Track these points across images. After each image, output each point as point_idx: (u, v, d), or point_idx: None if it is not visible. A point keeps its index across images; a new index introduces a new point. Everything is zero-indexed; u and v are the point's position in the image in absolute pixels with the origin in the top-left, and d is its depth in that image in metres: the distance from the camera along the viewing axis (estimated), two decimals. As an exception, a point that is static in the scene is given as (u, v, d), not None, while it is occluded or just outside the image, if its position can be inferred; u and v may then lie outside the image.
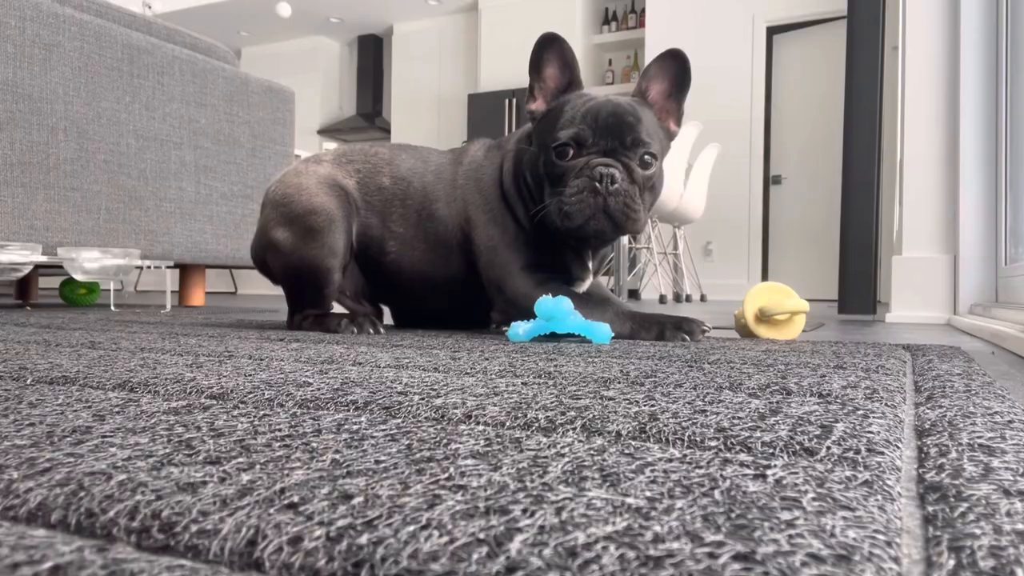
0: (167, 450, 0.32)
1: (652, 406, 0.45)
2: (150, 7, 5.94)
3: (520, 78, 5.60)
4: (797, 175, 4.76)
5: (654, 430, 0.37)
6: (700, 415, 0.42)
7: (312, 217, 1.13)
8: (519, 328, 0.96)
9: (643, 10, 5.38)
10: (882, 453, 0.33)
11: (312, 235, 1.13)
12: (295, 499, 0.25)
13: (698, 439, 0.35)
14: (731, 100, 4.83)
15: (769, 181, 4.82)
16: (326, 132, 6.63)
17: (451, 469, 0.29)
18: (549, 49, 1.04)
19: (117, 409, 0.42)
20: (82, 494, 0.26)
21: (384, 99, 6.72)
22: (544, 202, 1.02)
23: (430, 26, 6.28)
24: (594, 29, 5.73)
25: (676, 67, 1.04)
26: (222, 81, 2.53)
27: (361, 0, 5.93)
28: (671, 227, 4.13)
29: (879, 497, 0.26)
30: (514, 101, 5.56)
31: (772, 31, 4.83)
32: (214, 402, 0.45)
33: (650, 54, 5.10)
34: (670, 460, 0.31)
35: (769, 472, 0.29)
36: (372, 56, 6.70)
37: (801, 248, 4.69)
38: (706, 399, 0.48)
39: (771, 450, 0.34)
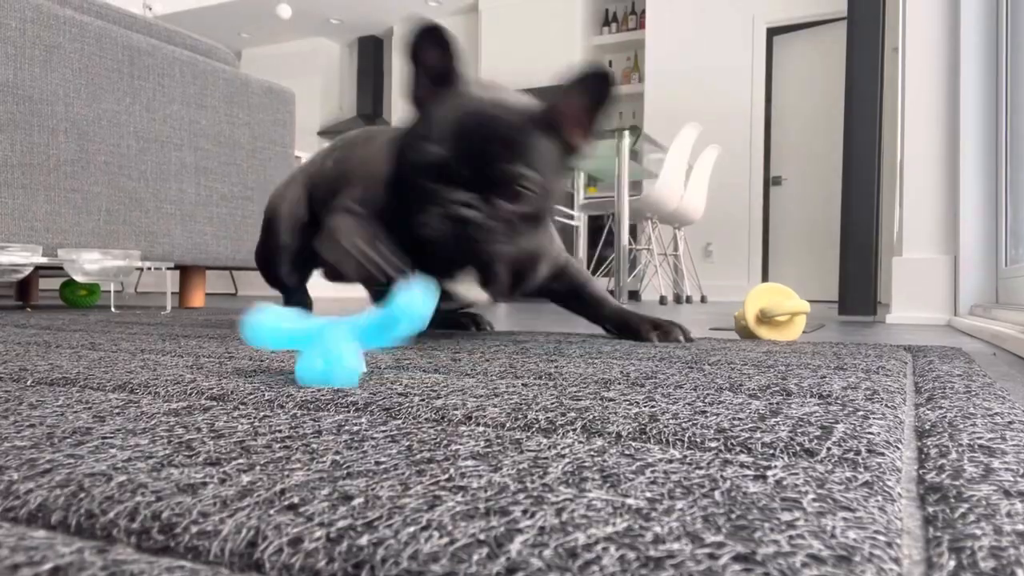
0: (167, 451, 0.32)
1: (652, 407, 0.45)
2: (150, 9, 5.94)
3: (521, 79, 5.60)
4: (797, 176, 4.76)
5: (654, 431, 0.37)
6: (700, 416, 0.42)
7: (266, 216, 1.26)
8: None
9: (643, 11, 5.38)
10: (882, 454, 0.33)
11: (264, 233, 1.25)
12: (295, 500, 0.25)
13: (698, 440, 0.35)
14: (731, 101, 4.83)
15: (769, 182, 4.83)
16: (327, 133, 6.63)
17: (451, 470, 0.29)
18: (428, 38, 0.88)
19: (117, 410, 0.42)
20: (82, 495, 0.26)
21: (384, 100, 6.73)
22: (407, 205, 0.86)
23: (430, 27, 6.27)
24: (594, 30, 5.73)
25: (600, 84, 0.89)
26: (222, 83, 2.54)
27: (361, 2, 5.94)
28: (671, 228, 4.13)
29: (879, 498, 0.26)
30: (514, 102, 5.55)
31: (772, 32, 4.84)
32: (214, 403, 0.45)
33: (650, 55, 5.10)
34: (670, 461, 0.31)
35: (769, 473, 0.29)
36: (372, 57, 6.70)
37: (801, 249, 4.69)
38: (706, 400, 0.48)
39: (771, 451, 0.34)
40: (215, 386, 0.52)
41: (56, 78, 1.92)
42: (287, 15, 5.48)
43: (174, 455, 0.31)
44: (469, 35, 6.05)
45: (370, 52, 6.70)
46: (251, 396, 0.48)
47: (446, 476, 0.28)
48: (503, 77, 5.65)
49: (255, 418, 0.40)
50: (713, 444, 0.35)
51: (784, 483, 0.28)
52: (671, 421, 0.40)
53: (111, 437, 0.35)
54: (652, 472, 0.29)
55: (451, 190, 0.81)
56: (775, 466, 0.30)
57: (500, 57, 5.74)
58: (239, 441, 0.34)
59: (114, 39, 2.13)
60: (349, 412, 0.42)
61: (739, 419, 0.41)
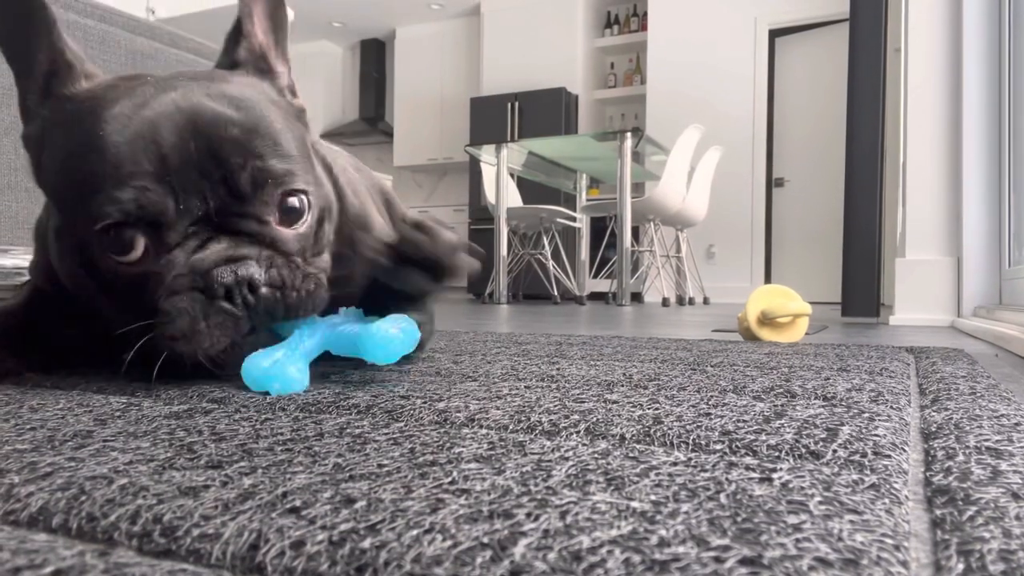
0: (169, 454, 0.32)
1: (656, 409, 0.44)
2: (153, 12, 5.95)
3: (522, 82, 5.61)
4: (800, 178, 4.76)
5: (658, 433, 0.37)
6: (705, 418, 0.42)
7: None
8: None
9: (645, 13, 5.38)
10: (889, 456, 0.33)
11: None
12: (297, 503, 0.25)
13: (703, 442, 0.35)
14: (733, 103, 4.83)
15: (772, 184, 4.82)
16: (329, 136, 6.63)
17: (454, 473, 0.29)
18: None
19: (118, 413, 0.42)
20: (83, 498, 0.25)
21: (387, 103, 6.73)
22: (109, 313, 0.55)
23: (432, 30, 6.29)
24: (596, 32, 5.73)
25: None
26: (225, 85, 2.53)
27: (364, 4, 5.94)
28: (674, 230, 4.13)
29: (886, 500, 0.26)
30: (516, 105, 5.56)
31: (774, 34, 4.84)
32: (216, 406, 0.45)
33: (652, 57, 5.10)
34: (675, 463, 0.31)
35: (775, 475, 0.29)
36: (375, 60, 6.71)
37: (804, 251, 4.69)
38: (710, 402, 0.48)
39: (777, 453, 0.33)
40: (216, 389, 0.52)
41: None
42: (289, 18, 5.48)
43: (175, 458, 0.31)
44: (471, 38, 6.05)
45: (372, 55, 6.71)
46: (252, 399, 0.48)
47: (449, 479, 0.28)
48: (505, 80, 5.66)
49: (256, 421, 0.40)
50: (718, 446, 0.35)
51: (790, 486, 0.28)
52: (675, 423, 0.40)
53: (112, 440, 0.35)
54: (657, 475, 0.29)
55: (189, 242, 0.50)
56: (781, 468, 0.30)
57: (502, 60, 5.74)
58: (241, 444, 0.34)
59: (117, 42, 2.13)
60: (351, 415, 0.42)
61: (744, 421, 0.41)
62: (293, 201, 0.54)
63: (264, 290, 0.50)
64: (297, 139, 0.57)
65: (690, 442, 0.35)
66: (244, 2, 0.64)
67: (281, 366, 0.50)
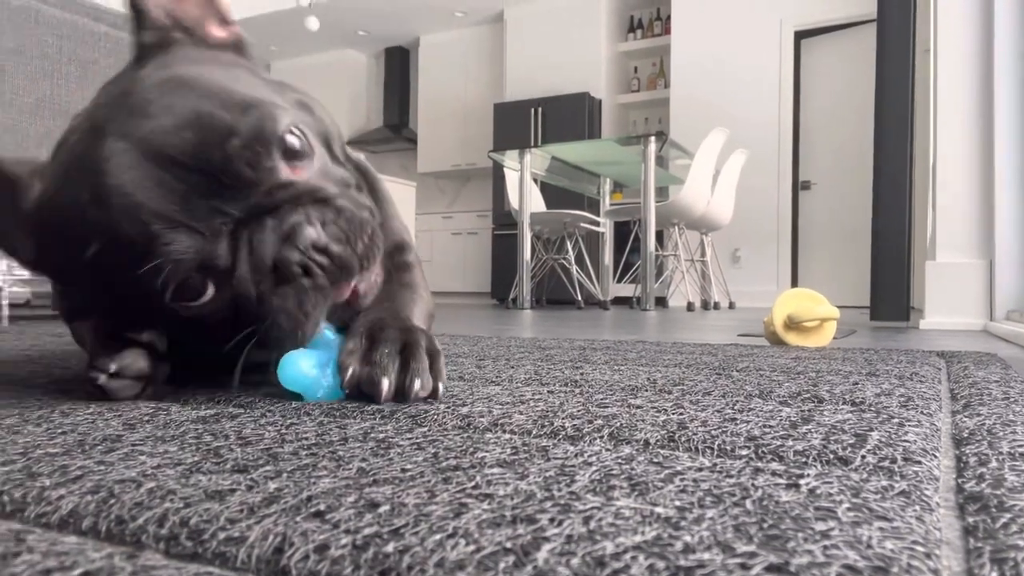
0: (196, 458, 0.32)
1: (681, 414, 0.44)
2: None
3: (546, 87, 5.61)
4: (827, 180, 4.70)
5: (683, 438, 0.37)
6: (730, 423, 0.41)
7: None
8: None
9: (668, 17, 5.36)
10: (919, 462, 0.32)
11: None
12: (322, 507, 0.25)
13: (728, 448, 0.35)
14: (759, 106, 4.79)
15: (798, 186, 4.77)
16: (354, 143, 6.69)
17: (477, 477, 0.29)
18: None
19: (147, 418, 0.43)
20: (112, 501, 0.26)
21: (411, 110, 6.78)
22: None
23: (456, 37, 6.32)
24: (619, 37, 5.72)
25: None
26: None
27: (388, 13, 5.99)
28: (698, 234, 4.10)
29: (917, 507, 0.26)
30: (540, 110, 5.57)
31: (800, 35, 4.79)
32: (241, 411, 0.46)
33: (676, 61, 5.08)
34: (700, 469, 0.31)
35: (802, 481, 0.29)
36: (399, 67, 6.76)
37: (831, 254, 4.63)
38: (736, 407, 0.47)
39: (804, 459, 0.33)
40: (242, 394, 0.52)
41: (92, 92, 1.96)
42: (315, 27, 5.55)
43: (202, 462, 0.32)
44: (494, 45, 6.07)
45: (396, 62, 6.76)
46: (278, 404, 0.48)
47: (472, 483, 0.28)
48: (528, 86, 5.67)
49: (282, 425, 0.40)
50: (744, 452, 0.34)
51: (818, 492, 0.27)
52: (700, 428, 0.39)
53: (140, 444, 0.35)
54: (681, 480, 0.29)
55: (244, 278, 0.47)
56: (808, 474, 0.30)
57: (525, 66, 5.75)
58: (266, 448, 0.34)
59: (147, 53, 2.17)
60: (375, 419, 0.42)
61: (770, 426, 0.40)
62: (294, 142, 0.49)
63: (335, 247, 0.47)
64: (242, 78, 0.51)
65: (715, 447, 0.35)
66: None
67: (329, 374, 0.49)
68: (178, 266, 0.45)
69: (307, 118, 0.52)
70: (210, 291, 0.47)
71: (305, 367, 0.48)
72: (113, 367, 0.48)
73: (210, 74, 0.49)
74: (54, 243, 0.48)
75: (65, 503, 0.26)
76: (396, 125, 6.71)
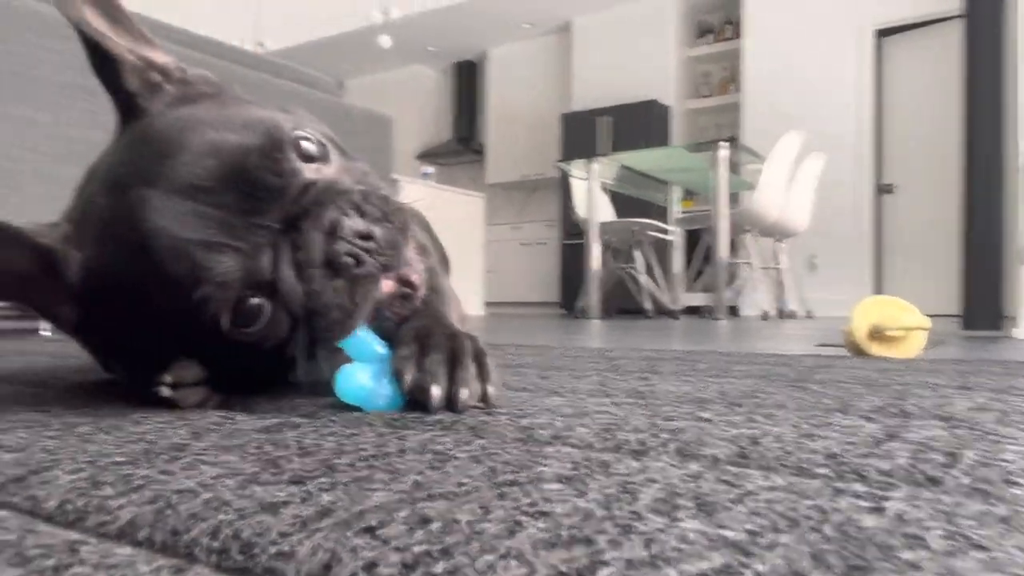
0: (255, 469, 0.32)
1: (753, 429, 0.42)
2: (262, 45, 6.31)
3: (614, 96, 5.58)
4: (911, 183, 4.49)
5: (755, 455, 0.35)
6: (807, 439, 0.39)
7: None
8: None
9: (740, 20, 5.25)
10: (1020, 484, 0.29)
11: None
12: (373, 522, 0.24)
13: (805, 466, 0.33)
14: (836, 107, 4.63)
15: (880, 190, 4.58)
16: (424, 156, 6.81)
17: (534, 494, 0.28)
18: None
19: (213, 427, 0.44)
20: (169, 512, 0.26)
21: (479, 122, 6.85)
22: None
23: (523, 49, 6.36)
24: (689, 43, 5.64)
25: None
26: (326, 111, 2.65)
27: (457, 29, 6.09)
28: (772, 241, 3.98)
29: (1019, 535, 0.23)
30: (608, 119, 5.54)
31: (880, 34, 4.61)
32: (305, 420, 0.46)
33: (748, 64, 4.97)
34: (773, 489, 0.29)
35: (888, 504, 0.26)
36: (467, 81, 6.85)
37: (917, 260, 4.41)
38: (813, 422, 0.45)
39: (889, 479, 0.30)
40: (307, 403, 0.52)
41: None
42: (387, 45, 5.69)
43: (260, 472, 0.32)
44: (562, 55, 6.08)
45: (465, 76, 6.85)
46: (341, 413, 0.48)
47: (528, 500, 0.27)
48: (596, 95, 5.64)
49: (342, 436, 0.40)
50: (822, 471, 0.32)
51: (905, 517, 0.25)
52: (774, 444, 0.37)
53: (203, 454, 0.36)
54: (753, 501, 0.27)
55: (293, 289, 0.47)
56: (894, 497, 0.27)
57: (593, 75, 5.73)
58: (324, 459, 0.34)
59: (227, 74, 2.26)
60: (435, 431, 0.42)
61: (851, 443, 0.38)
62: (307, 146, 0.49)
63: (376, 229, 0.48)
64: (232, 103, 0.53)
65: (791, 465, 0.33)
66: (76, 16, 0.51)
67: (386, 384, 0.49)
68: (226, 288, 0.45)
69: (314, 125, 0.53)
70: (267, 312, 0.47)
71: (362, 379, 0.49)
72: (170, 379, 0.49)
73: (205, 108, 0.51)
74: (104, 307, 0.49)
75: (124, 513, 0.26)
76: (465, 137, 6.79)
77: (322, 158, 0.50)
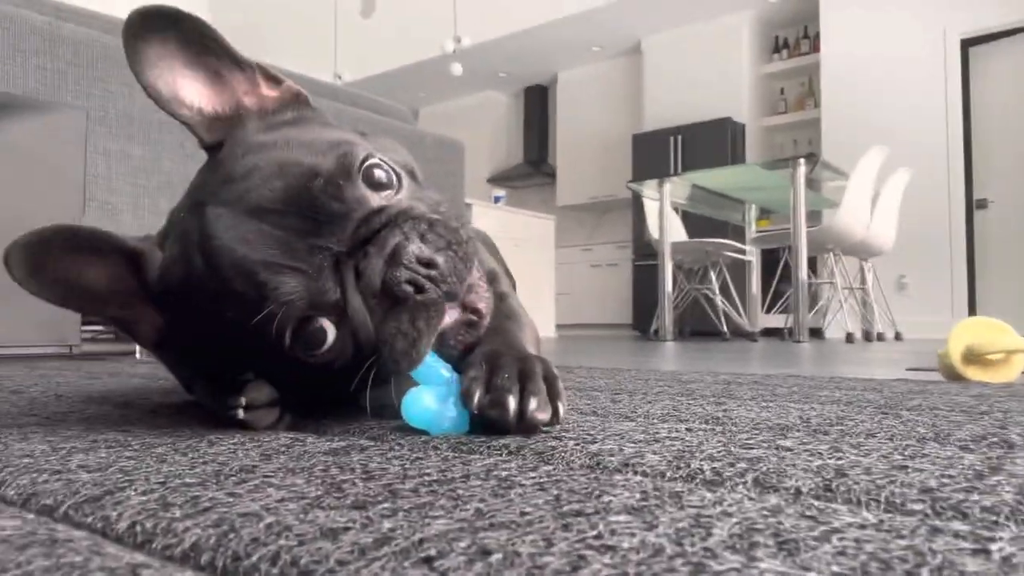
0: (319, 492, 0.32)
1: (839, 459, 0.39)
2: (340, 77, 6.54)
3: (685, 115, 5.51)
4: (1006, 197, 4.25)
5: (842, 488, 0.32)
6: (899, 472, 0.36)
7: None
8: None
9: (817, 34, 5.12)
10: None
11: None
12: (432, 552, 0.23)
13: (898, 501, 0.30)
14: (922, 121, 4.44)
15: (972, 205, 4.34)
16: (495, 180, 6.88)
17: (600, 526, 0.26)
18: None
19: (283, 449, 0.44)
20: (232, 536, 0.26)
21: (549, 145, 6.89)
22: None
23: (593, 71, 6.37)
24: (763, 59, 5.53)
25: (170, 26, 0.52)
26: (400, 138, 2.70)
27: (527, 54, 6.16)
28: (857, 260, 3.82)
29: None
30: (679, 139, 5.47)
31: (967, 43, 4.41)
32: (372, 443, 0.46)
33: (827, 78, 4.83)
34: (863, 526, 0.26)
35: (993, 546, 0.24)
36: (537, 105, 6.91)
37: (1014, 278, 4.15)
38: (906, 452, 0.41)
39: (993, 517, 0.28)
40: (375, 425, 0.52)
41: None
42: (459, 72, 5.80)
43: (324, 496, 0.31)
44: (632, 76, 6.06)
45: (536, 100, 6.92)
46: (408, 437, 0.48)
47: (594, 532, 0.25)
48: (668, 115, 5.59)
49: (407, 460, 0.40)
50: (917, 507, 0.29)
51: (1014, 560, 0.22)
52: (863, 476, 0.35)
53: (271, 476, 0.36)
54: (840, 539, 0.25)
55: (360, 312, 0.47)
56: (1000, 537, 0.25)
57: (664, 95, 5.68)
58: (387, 484, 0.34)
59: (305, 106, 2.34)
60: (500, 456, 0.41)
61: (949, 476, 0.35)
62: (379, 174, 0.50)
63: (439, 257, 0.47)
64: (314, 129, 0.53)
65: (882, 500, 0.30)
66: (143, 81, 0.52)
67: (452, 406, 0.49)
68: (289, 308, 0.46)
69: (385, 150, 0.53)
70: (331, 335, 0.48)
71: (428, 401, 0.48)
72: (243, 401, 0.50)
73: (283, 133, 0.52)
74: (180, 317, 0.51)
75: (189, 536, 0.26)
76: (535, 160, 6.84)
77: (392, 186, 0.51)
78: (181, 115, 0.54)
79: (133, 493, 0.32)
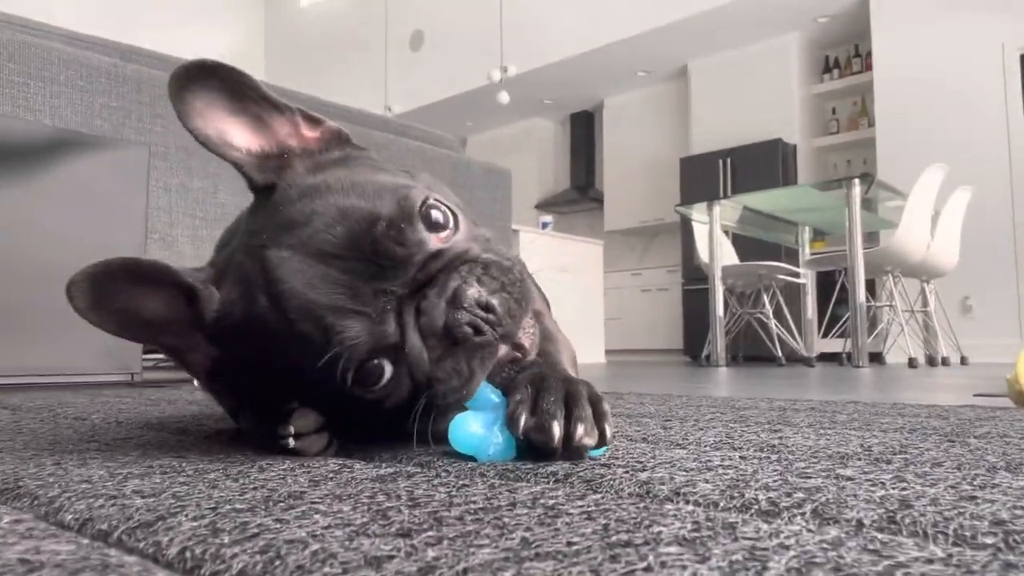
0: (364, 519, 0.32)
1: (903, 489, 0.37)
2: (390, 109, 6.69)
3: (734, 137, 5.46)
4: (1077, 214, 4.07)
5: (907, 520, 0.31)
6: (968, 503, 0.34)
7: None
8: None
9: (868, 53, 5.03)
10: None
11: None
12: (477, 582, 0.23)
13: (968, 534, 0.28)
14: (982, 137, 4.30)
15: (1040, 224, 4.17)
16: (543, 206, 6.90)
17: (650, 557, 0.25)
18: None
19: (331, 475, 0.44)
20: (278, 563, 0.26)
21: (596, 170, 6.89)
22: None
23: (639, 96, 6.37)
24: (813, 79, 5.45)
25: (210, 78, 0.53)
26: (448, 166, 2.75)
27: (572, 81, 6.20)
28: (918, 281, 3.70)
29: None
30: (729, 161, 5.41)
31: (1028, 57, 4.27)
32: (419, 470, 0.46)
33: (880, 97, 4.73)
34: (930, 561, 0.25)
35: (1076, 586, 0.22)
36: (584, 131, 6.93)
37: (1091, 299, 3.96)
38: (975, 482, 0.39)
39: (1076, 554, 0.26)
40: (423, 452, 0.52)
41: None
42: (506, 101, 5.86)
43: (370, 523, 0.31)
44: (679, 99, 6.03)
45: (582, 126, 6.94)
46: (455, 464, 0.48)
47: (643, 564, 0.25)
48: (715, 137, 5.54)
49: (453, 487, 0.39)
50: (989, 540, 0.28)
51: (1101, 602, 0.21)
52: (929, 508, 0.33)
53: (319, 503, 0.36)
54: (905, 574, 0.23)
55: (417, 350, 0.48)
56: (1084, 576, 0.23)
57: (711, 118, 5.64)
58: (433, 511, 0.33)
59: (358, 137, 2.39)
60: (547, 483, 0.40)
61: (1022, 508, 0.33)
62: (436, 216, 0.51)
63: (494, 299, 0.48)
64: (365, 171, 0.54)
65: (950, 533, 0.29)
66: (190, 126, 0.53)
67: (498, 432, 0.48)
68: (353, 351, 0.47)
69: (439, 191, 0.55)
70: (388, 373, 0.49)
71: (474, 428, 0.48)
72: (292, 429, 0.51)
73: (334, 174, 0.53)
74: (234, 351, 0.52)
75: (237, 562, 0.26)
76: (583, 186, 6.84)
77: (448, 226, 0.52)
78: (232, 156, 0.55)
79: (184, 519, 0.33)
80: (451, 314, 0.48)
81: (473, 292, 0.48)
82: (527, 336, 0.53)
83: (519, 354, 0.52)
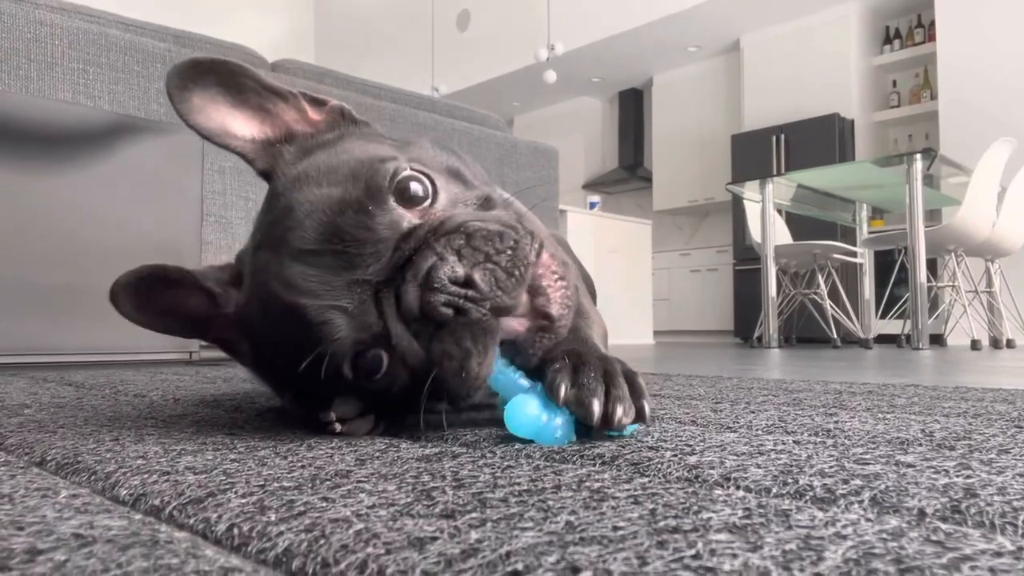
0: (409, 499, 0.32)
1: (968, 477, 0.36)
2: (437, 90, 6.69)
3: (788, 112, 5.30)
4: None
5: (973, 510, 0.29)
6: (1040, 493, 0.32)
7: None
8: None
9: (932, 23, 4.81)
10: None
11: None
12: (519, 566, 0.23)
13: (1040, 527, 0.27)
14: (1055, 109, 4.08)
15: (1117, 200, 3.95)
16: (590, 186, 6.84)
17: (699, 544, 0.25)
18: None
19: (378, 454, 0.44)
20: (322, 542, 0.26)
21: (645, 149, 6.78)
22: None
23: (689, 72, 6.23)
24: (873, 51, 5.25)
25: (210, 71, 0.54)
26: (494, 146, 2.74)
27: (620, 58, 6.09)
28: (982, 261, 3.56)
29: None
30: (782, 137, 5.27)
31: (1108, 21, 4.03)
32: (464, 450, 0.46)
33: (944, 69, 4.53)
34: (998, 554, 0.24)
35: None
36: (632, 109, 6.82)
37: None
38: (1047, 471, 0.37)
39: None
40: (468, 432, 0.52)
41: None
42: (552, 80, 5.81)
43: (414, 504, 0.31)
44: (730, 75, 5.88)
45: (630, 104, 6.83)
46: (500, 445, 0.47)
47: (692, 552, 0.24)
48: (769, 114, 5.39)
49: (498, 468, 0.39)
50: (1063, 534, 0.26)
51: None
52: (996, 497, 0.31)
53: (364, 482, 0.36)
54: (972, 568, 0.22)
55: (402, 338, 0.47)
56: None
57: (765, 93, 5.49)
58: (477, 493, 0.33)
59: (405, 118, 2.41)
60: (593, 466, 0.40)
61: (1101, 500, 0.31)
62: (415, 188, 0.48)
63: (475, 273, 0.45)
64: (349, 149, 0.52)
65: (1019, 524, 0.27)
66: (190, 121, 0.55)
67: (558, 414, 0.47)
68: (338, 347, 0.47)
69: (422, 157, 0.52)
70: (386, 360, 0.48)
71: (533, 409, 0.47)
72: (334, 416, 0.51)
73: (314, 160, 0.52)
74: (257, 344, 0.55)
75: (282, 540, 0.26)
76: (631, 165, 6.75)
77: (427, 196, 0.49)
78: (234, 146, 0.56)
79: (234, 496, 0.33)
80: (426, 297, 0.45)
81: (446, 270, 0.45)
82: (552, 303, 0.48)
83: (546, 322, 0.48)
